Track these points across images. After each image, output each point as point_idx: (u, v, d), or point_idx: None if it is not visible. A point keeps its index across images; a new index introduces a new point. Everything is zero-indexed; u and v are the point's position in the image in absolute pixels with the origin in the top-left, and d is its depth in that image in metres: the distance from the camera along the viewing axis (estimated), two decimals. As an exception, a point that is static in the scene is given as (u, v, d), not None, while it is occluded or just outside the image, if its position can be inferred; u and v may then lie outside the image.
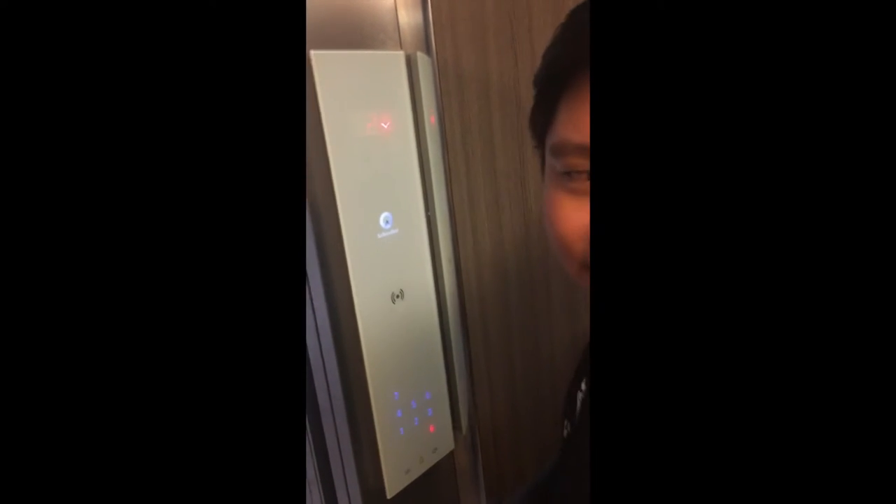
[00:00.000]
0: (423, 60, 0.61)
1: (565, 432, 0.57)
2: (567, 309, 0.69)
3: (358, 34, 0.58)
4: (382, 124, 0.59)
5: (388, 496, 0.65)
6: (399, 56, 0.59)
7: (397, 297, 0.63)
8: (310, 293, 0.58)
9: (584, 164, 0.35)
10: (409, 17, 0.61)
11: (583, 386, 0.53)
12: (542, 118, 0.38)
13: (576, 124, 0.34)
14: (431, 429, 0.70)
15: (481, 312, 0.69)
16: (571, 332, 0.70)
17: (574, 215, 0.37)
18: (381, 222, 0.60)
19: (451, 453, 0.76)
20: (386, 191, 0.60)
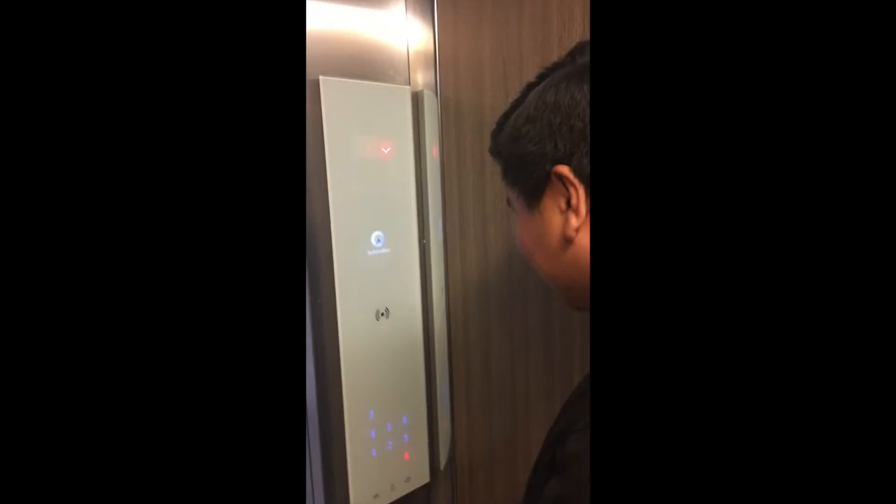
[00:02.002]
0: (429, 97, 0.66)
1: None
2: (543, 339, 0.69)
3: (369, 67, 0.64)
4: (383, 149, 0.63)
5: (353, 519, 0.64)
6: (405, 90, 0.64)
7: (382, 314, 0.64)
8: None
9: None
10: (418, 56, 0.67)
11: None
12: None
13: None
14: (406, 456, 0.69)
15: (464, 343, 0.70)
16: (547, 368, 0.69)
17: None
18: (373, 240, 0.63)
19: (427, 489, 0.74)
20: (380, 211, 0.63)
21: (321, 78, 0.57)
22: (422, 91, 0.65)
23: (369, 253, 0.63)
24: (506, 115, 0.44)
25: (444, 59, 0.65)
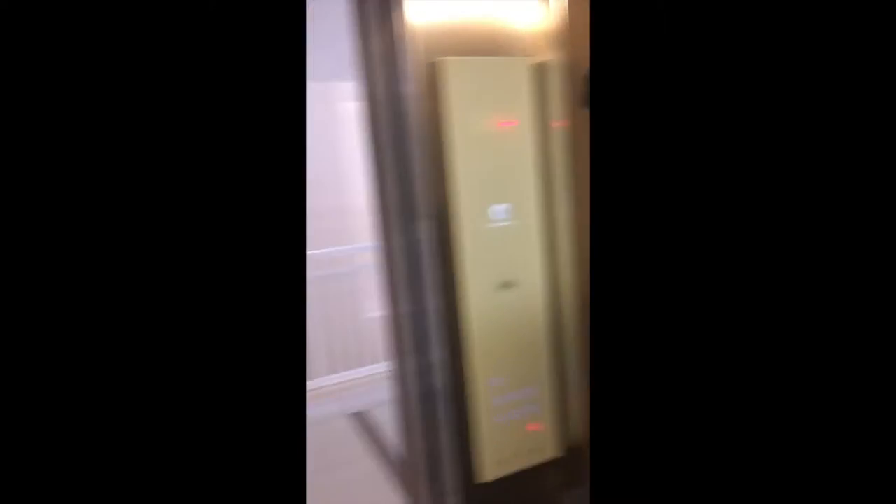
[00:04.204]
0: (552, 70, 0.66)
1: None
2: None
3: (492, 43, 0.65)
4: (507, 124, 0.64)
5: (478, 480, 0.67)
6: (523, 62, 0.64)
7: (505, 285, 0.66)
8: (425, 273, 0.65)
9: None
10: (539, 27, 0.67)
11: None
12: None
13: None
14: (532, 427, 0.69)
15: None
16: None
17: None
18: (496, 213, 0.64)
19: (559, 464, 0.74)
20: (504, 184, 0.64)
21: (439, 60, 0.60)
22: (544, 63, 0.65)
23: (493, 225, 0.64)
24: None
25: (565, 27, 0.63)
